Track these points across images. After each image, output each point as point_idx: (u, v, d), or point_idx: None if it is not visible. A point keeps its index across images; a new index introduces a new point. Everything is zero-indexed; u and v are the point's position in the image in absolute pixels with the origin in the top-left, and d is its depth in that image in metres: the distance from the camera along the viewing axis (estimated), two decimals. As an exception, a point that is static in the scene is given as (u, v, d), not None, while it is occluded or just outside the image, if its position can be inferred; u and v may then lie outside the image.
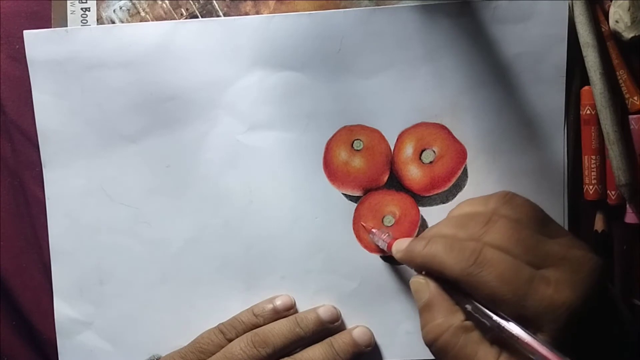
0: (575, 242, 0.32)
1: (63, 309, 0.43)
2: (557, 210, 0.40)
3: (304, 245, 0.41)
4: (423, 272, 0.34)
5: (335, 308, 0.41)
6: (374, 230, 0.40)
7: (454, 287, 0.32)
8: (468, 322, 0.32)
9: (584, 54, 0.38)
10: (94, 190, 0.42)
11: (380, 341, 0.41)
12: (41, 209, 0.43)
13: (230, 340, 0.39)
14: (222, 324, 0.41)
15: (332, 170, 0.41)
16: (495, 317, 0.30)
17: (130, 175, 0.42)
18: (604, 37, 0.39)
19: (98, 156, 0.42)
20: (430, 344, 0.32)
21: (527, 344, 0.28)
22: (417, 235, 0.41)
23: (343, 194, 0.41)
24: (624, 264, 0.40)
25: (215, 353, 0.39)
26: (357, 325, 0.41)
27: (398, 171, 0.41)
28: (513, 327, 0.29)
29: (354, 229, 0.41)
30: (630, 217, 0.39)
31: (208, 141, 0.42)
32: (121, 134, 0.42)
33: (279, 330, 0.39)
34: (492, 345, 0.31)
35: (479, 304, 0.31)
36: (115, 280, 0.42)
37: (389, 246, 0.38)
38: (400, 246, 0.36)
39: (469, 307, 0.31)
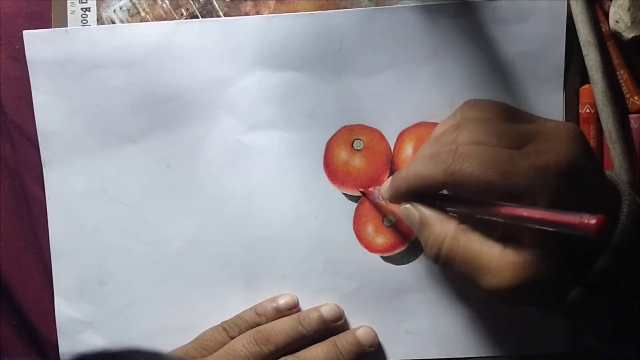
0: (547, 119, 0.32)
1: (64, 308, 0.43)
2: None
3: (304, 245, 0.42)
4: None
5: (338, 307, 0.41)
6: (370, 189, 0.40)
7: (445, 200, 0.33)
8: (464, 225, 0.32)
9: (585, 52, 0.38)
10: (94, 190, 0.42)
11: (380, 341, 0.41)
12: (41, 209, 0.43)
13: (232, 338, 0.40)
14: (226, 322, 0.41)
15: (332, 170, 0.41)
16: (501, 207, 0.30)
17: (130, 175, 0.42)
18: (604, 37, 0.39)
19: (98, 156, 0.42)
20: (436, 257, 0.33)
21: (528, 217, 0.28)
22: (415, 236, 0.41)
23: (343, 193, 0.41)
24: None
25: (218, 350, 0.39)
26: (361, 325, 0.41)
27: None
28: (512, 209, 0.29)
29: (354, 228, 0.41)
30: None
31: (208, 141, 0.42)
32: (121, 134, 0.42)
33: (282, 328, 0.39)
34: (495, 241, 0.31)
35: (471, 201, 0.31)
36: (116, 280, 0.42)
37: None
38: (385, 185, 0.37)
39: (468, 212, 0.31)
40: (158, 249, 0.42)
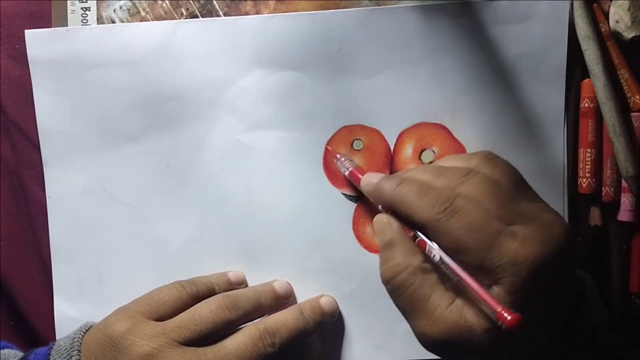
0: (548, 208, 0.32)
1: (63, 307, 0.43)
2: (557, 210, 0.40)
3: (303, 245, 0.41)
4: (389, 212, 0.34)
5: (289, 284, 0.41)
6: (338, 155, 0.40)
7: (418, 230, 0.33)
8: (427, 265, 0.32)
9: (584, 47, 0.38)
10: (94, 189, 0.42)
11: (380, 341, 0.41)
12: (41, 209, 0.43)
13: (190, 295, 0.39)
14: (180, 281, 0.40)
15: (332, 170, 0.41)
16: (453, 266, 0.30)
17: (130, 174, 0.42)
18: (604, 37, 0.39)
19: (98, 155, 0.42)
20: (387, 282, 0.33)
21: (478, 294, 0.29)
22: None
23: (343, 193, 0.41)
24: (621, 261, 0.40)
25: (175, 305, 0.38)
26: (322, 294, 0.41)
27: (398, 171, 0.41)
28: (467, 277, 0.30)
29: (353, 229, 0.41)
30: (623, 215, 0.39)
31: (208, 141, 0.42)
32: (122, 133, 0.42)
33: (247, 295, 0.39)
34: (447, 291, 0.31)
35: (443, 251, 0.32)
36: (115, 279, 0.43)
37: (352, 175, 0.38)
38: (370, 180, 0.36)
39: (435, 255, 0.31)
40: (158, 248, 0.42)
